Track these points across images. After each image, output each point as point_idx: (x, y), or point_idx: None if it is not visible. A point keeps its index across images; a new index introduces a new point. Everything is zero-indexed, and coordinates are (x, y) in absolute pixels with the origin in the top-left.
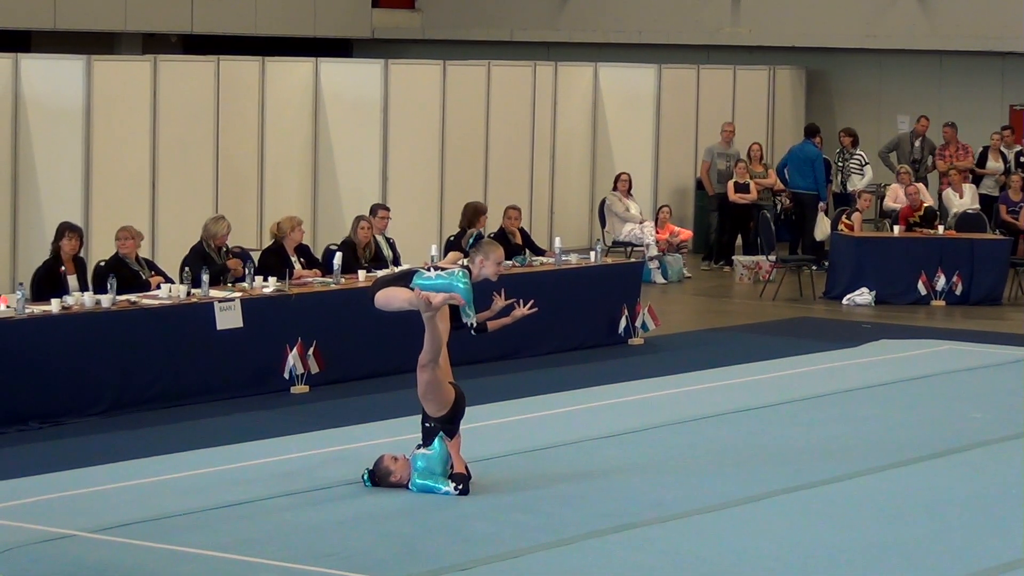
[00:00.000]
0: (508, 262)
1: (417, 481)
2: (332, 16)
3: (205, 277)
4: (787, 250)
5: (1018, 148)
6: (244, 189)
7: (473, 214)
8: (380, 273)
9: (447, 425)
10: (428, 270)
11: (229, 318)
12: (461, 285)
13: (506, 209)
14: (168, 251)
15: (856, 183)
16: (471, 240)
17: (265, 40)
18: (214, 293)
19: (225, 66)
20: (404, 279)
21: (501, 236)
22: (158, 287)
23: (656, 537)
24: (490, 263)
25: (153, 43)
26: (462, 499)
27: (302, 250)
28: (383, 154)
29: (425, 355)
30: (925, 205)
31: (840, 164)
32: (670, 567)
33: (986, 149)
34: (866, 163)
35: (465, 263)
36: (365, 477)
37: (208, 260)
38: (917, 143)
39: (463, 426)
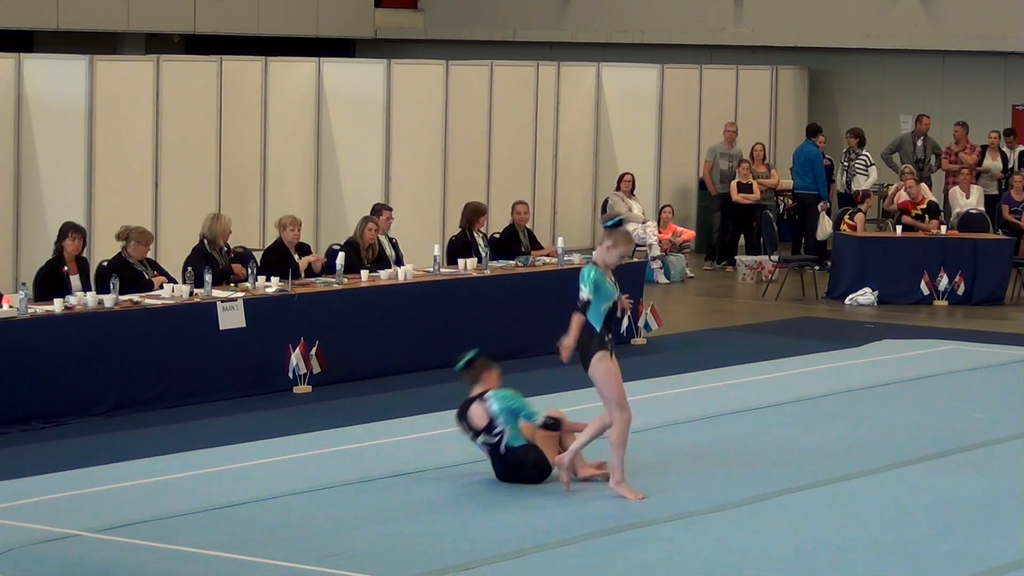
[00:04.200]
0: (511, 262)
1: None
2: (335, 16)
3: (208, 277)
4: (789, 250)
5: (1021, 148)
6: (247, 189)
7: (472, 214)
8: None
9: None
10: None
11: (232, 318)
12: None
13: (514, 205)
14: (170, 251)
15: (861, 183)
16: (609, 222)
17: (268, 40)
18: (217, 293)
19: (228, 66)
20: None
21: (512, 232)
22: (161, 287)
23: (658, 537)
24: (616, 251)
25: (156, 43)
26: (464, 499)
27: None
28: (386, 154)
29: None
30: (928, 200)
31: (846, 164)
32: (672, 567)
33: (985, 148)
34: (871, 164)
35: (592, 258)
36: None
37: (210, 260)
38: (919, 142)
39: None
